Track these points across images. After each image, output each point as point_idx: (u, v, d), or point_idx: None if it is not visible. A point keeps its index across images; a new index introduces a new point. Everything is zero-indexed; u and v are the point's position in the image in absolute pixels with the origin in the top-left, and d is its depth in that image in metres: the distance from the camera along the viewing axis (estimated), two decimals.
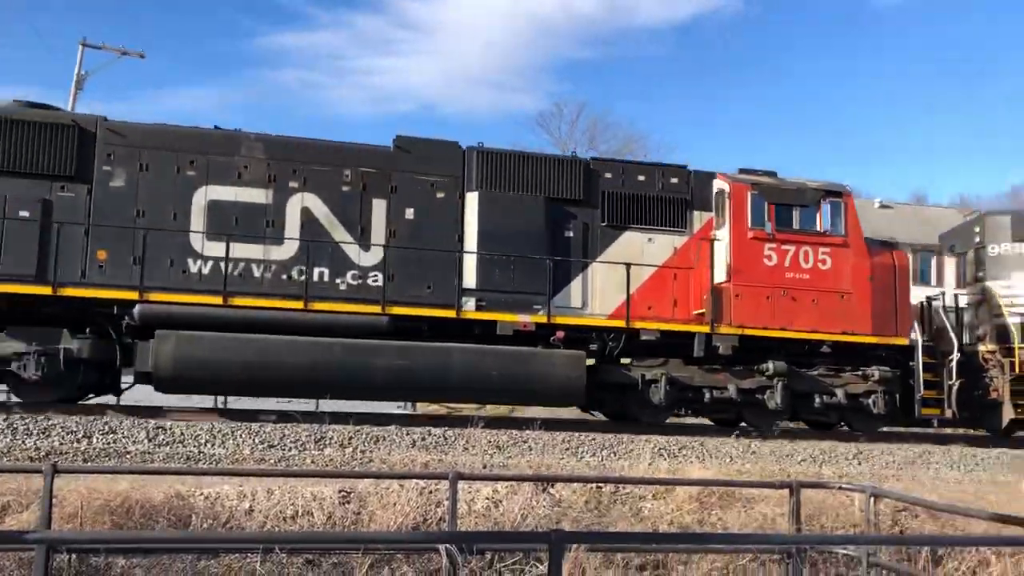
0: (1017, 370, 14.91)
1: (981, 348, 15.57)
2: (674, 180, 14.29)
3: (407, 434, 10.87)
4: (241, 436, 10.40)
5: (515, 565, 6.55)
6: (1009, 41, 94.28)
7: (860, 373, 14.46)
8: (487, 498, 7.39)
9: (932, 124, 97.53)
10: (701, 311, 13.84)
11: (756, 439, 13.10)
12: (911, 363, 14.56)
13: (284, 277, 12.38)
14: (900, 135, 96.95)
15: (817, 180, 14.96)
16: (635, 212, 13.95)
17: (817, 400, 14.26)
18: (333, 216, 12.76)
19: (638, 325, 13.47)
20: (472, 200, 13.31)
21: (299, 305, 12.18)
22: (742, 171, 14.77)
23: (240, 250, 12.22)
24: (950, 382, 14.79)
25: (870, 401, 14.38)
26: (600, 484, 7.44)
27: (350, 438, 10.50)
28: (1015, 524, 4.80)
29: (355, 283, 12.61)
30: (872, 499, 6.01)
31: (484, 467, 9.87)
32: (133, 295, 11.68)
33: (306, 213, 12.65)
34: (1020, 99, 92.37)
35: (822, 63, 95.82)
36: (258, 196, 12.56)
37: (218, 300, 11.96)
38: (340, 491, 7.50)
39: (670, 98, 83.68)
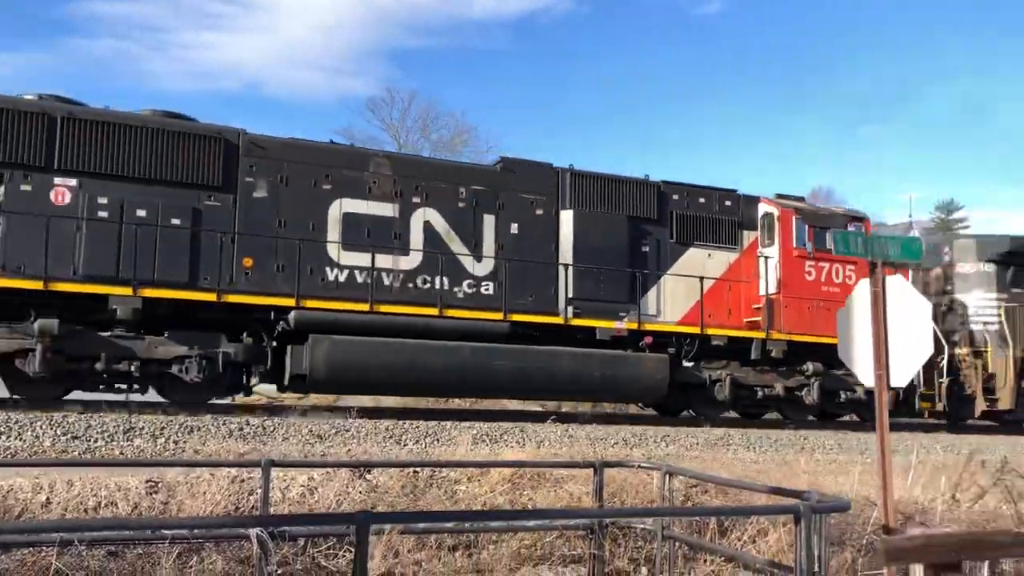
0: (990, 368, 18.01)
1: (957, 351, 18.29)
2: (728, 203, 16.32)
3: (223, 424, 10.58)
4: (41, 427, 9.79)
5: (329, 551, 6.58)
6: (823, 50, 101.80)
7: None
8: (302, 485, 7.36)
9: (748, 125, 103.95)
10: (752, 319, 15.92)
11: (572, 424, 13.65)
12: None
13: (410, 285, 13.53)
14: (720, 135, 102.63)
15: (841, 207, 18.89)
16: (697, 230, 15.95)
17: (842, 396, 16.53)
18: (451, 229, 14.03)
19: (710, 331, 15.37)
20: (567, 217, 14.80)
21: (434, 311, 13.36)
22: (780, 196, 17.04)
23: (375, 260, 13.27)
24: (940, 380, 17.61)
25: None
26: (416, 469, 7.58)
27: (162, 428, 10.12)
28: (786, 496, 5.32)
29: (471, 291, 13.91)
30: (667, 476, 6.47)
31: (304, 456, 9.79)
32: (290, 301, 12.41)
33: (428, 227, 13.85)
34: (829, 103, 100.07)
35: (645, 63, 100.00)
36: (386, 210, 13.60)
37: (365, 307, 12.91)
38: (147, 481, 7.25)
39: (501, 91, 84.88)
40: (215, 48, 73.00)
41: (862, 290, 5.66)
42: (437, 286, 13.55)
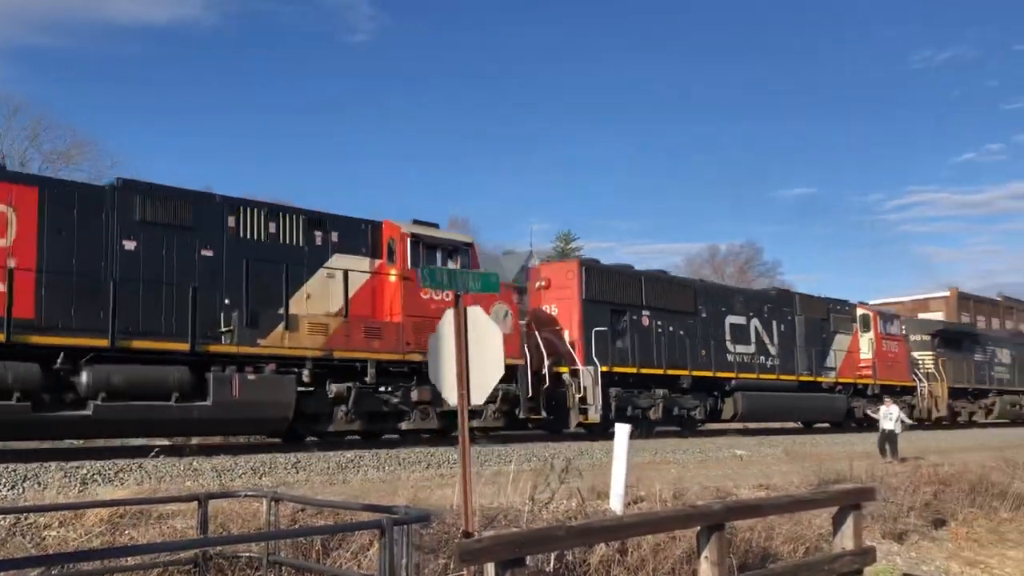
0: (935, 393, 33.47)
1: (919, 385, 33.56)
2: (847, 308, 30.54)
3: None
4: None
5: None
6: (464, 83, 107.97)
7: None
8: None
9: (396, 151, 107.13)
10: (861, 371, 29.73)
11: (198, 456, 13.21)
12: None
13: (751, 361, 25.09)
14: (363, 156, 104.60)
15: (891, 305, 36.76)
16: (841, 322, 29.59)
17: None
18: (762, 330, 25.95)
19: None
20: (800, 320, 27.58)
21: (774, 376, 25.58)
22: (860, 304, 31.29)
23: (743, 348, 24.92)
24: (912, 402, 31.61)
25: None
26: None
27: None
28: (377, 511, 5.69)
29: (773, 364, 25.97)
30: (273, 503, 6.58)
31: None
32: (732, 374, 24.17)
33: (754, 329, 25.64)
34: (471, 137, 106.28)
35: (287, 82, 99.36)
36: (742, 320, 25.27)
37: (756, 376, 24.92)
38: None
39: (131, 104, 79.33)
40: None
41: (448, 319, 6.25)
42: (764, 362, 25.73)
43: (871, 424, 26.02)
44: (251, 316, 14.71)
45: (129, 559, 6.23)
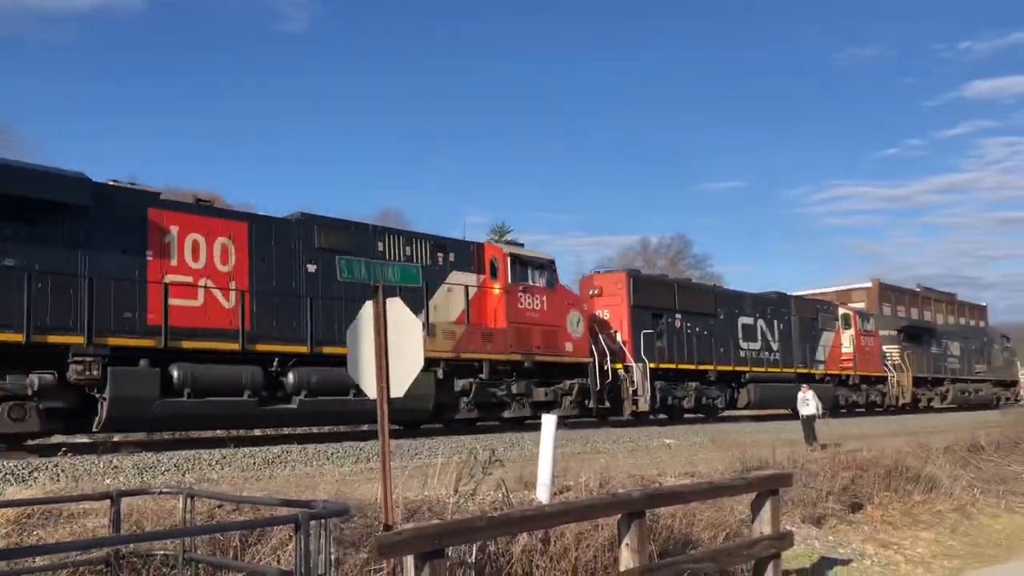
0: (901, 382, 38.31)
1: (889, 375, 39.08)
2: (831, 308, 35.93)
3: None
4: None
5: None
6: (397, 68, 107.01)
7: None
8: None
9: (319, 142, 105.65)
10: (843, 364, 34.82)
11: (117, 454, 12.93)
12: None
13: (759, 356, 29.63)
14: (281, 152, 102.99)
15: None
16: (826, 321, 34.31)
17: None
18: (766, 329, 30.42)
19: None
20: (796, 321, 32.25)
21: (778, 369, 30.25)
22: (842, 304, 38.87)
23: (752, 345, 29.39)
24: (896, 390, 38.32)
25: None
26: None
27: None
28: (295, 506, 5.62)
29: (776, 358, 30.68)
30: (189, 499, 6.45)
31: None
32: (746, 368, 28.70)
33: (760, 328, 30.12)
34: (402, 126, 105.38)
35: (218, 71, 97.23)
36: (750, 321, 29.76)
37: (764, 369, 29.60)
38: None
39: (53, 92, 76.72)
40: None
41: (367, 311, 6.20)
42: (769, 356, 30.32)
43: (853, 407, 34.37)
44: None
45: (38, 559, 6.05)
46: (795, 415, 29.09)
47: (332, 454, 14.94)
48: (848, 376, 34.33)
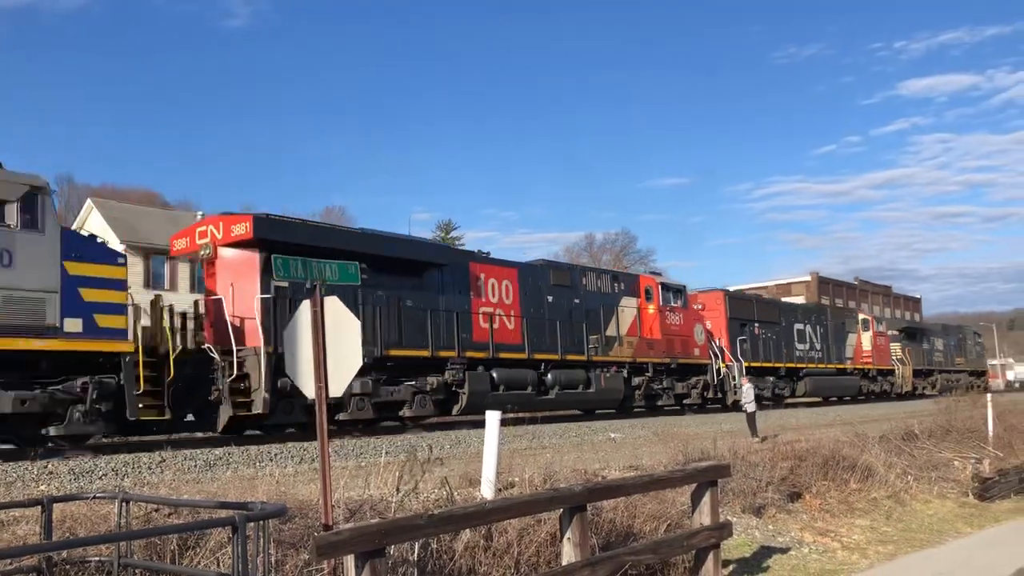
0: (905, 374, 46.62)
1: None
2: (854, 314, 44.86)
3: None
4: None
5: None
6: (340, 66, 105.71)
7: None
8: None
9: (269, 143, 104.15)
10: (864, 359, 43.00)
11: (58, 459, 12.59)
12: None
13: (808, 355, 37.06)
14: (228, 147, 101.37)
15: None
16: (851, 324, 42.66)
17: None
18: (811, 332, 37.53)
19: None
20: (831, 325, 39.81)
21: (824, 365, 38.23)
22: (861, 311, 48.32)
23: (803, 346, 36.76)
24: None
25: None
26: None
27: None
28: (231, 508, 5.56)
29: (820, 356, 38.05)
30: (125, 504, 6.32)
31: None
32: (804, 364, 36.61)
33: (808, 333, 37.02)
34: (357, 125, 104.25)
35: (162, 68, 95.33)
36: (801, 326, 37.09)
37: (814, 365, 37.17)
38: None
39: None
40: None
41: (305, 311, 6.15)
42: (803, 355, 36.90)
43: (870, 395, 41.60)
44: (604, 338, 25.61)
45: None
46: (838, 400, 40.47)
47: (275, 455, 14.77)
48: (868, 369, 42.44)
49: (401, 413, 20.42)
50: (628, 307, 27.06)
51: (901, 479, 14.77)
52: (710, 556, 8.45)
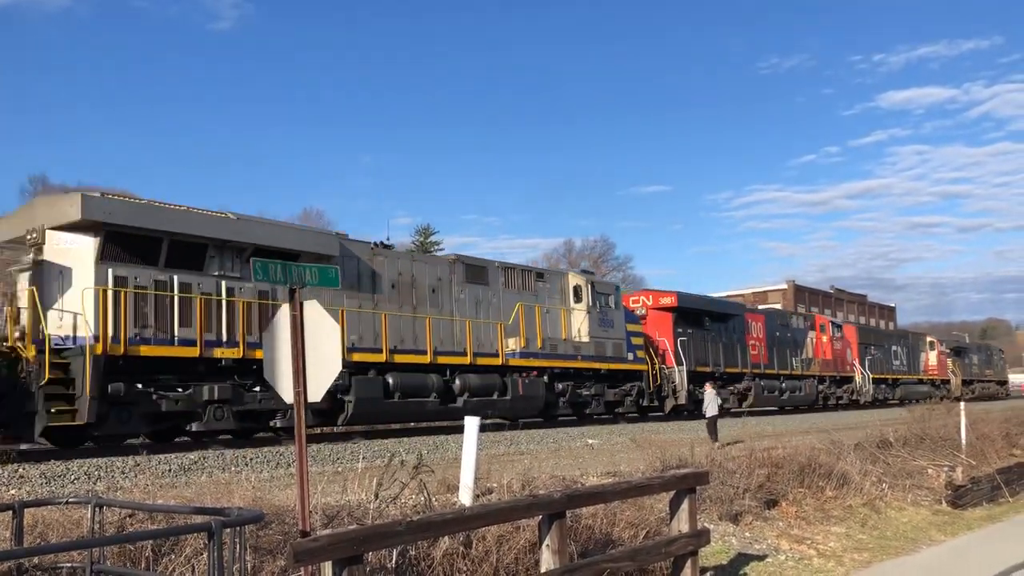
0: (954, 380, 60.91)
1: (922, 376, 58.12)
2: (925, 338, 60.20)
3: None
4: None
5: None
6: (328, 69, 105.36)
7: None
8: None
9: (245, 140, 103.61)
10: (930, 371, 57.47)
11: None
12: None
13: (902, 368, 51.56)
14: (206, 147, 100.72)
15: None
16: (921, 344, 56.92)
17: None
18: (903, 354, 52.72)
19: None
20: (908, 346, 55.12)
21: (907, 376, 52.42)
22: (926, 335, 61.88)
23: (900, 364, 52.30)
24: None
25: None
26: None
27: None
28: (208, 513, 5.49)
29: (905, 368, 53.05)
30: (98, 509, 6.23)
31: None
32: (900, 376, 51.22)
33: (899, 353, 52.86)
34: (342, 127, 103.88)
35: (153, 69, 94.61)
36: (897, 349, 52.58)
37: (903, 376, 51.93)
38: None
39: None
40: None
41: (284, 315, 6.09)
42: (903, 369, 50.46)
43: (929, 398, 42.20)
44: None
45: None
46: (915, 401, 40.70)
47: (251, 460, 14.66)
48: (935, 379, 54.96)
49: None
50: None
51: (876, 487, 14.86)
52: (688, 563, 8.45)
